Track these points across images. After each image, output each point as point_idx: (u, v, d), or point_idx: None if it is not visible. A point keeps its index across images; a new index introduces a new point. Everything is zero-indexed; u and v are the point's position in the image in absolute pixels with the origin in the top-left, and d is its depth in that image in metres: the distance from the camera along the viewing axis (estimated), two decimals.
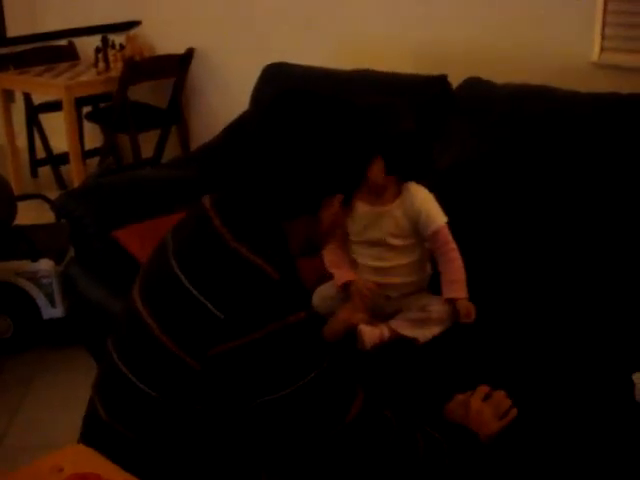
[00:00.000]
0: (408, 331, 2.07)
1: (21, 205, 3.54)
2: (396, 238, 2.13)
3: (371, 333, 2.04)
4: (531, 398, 1.79)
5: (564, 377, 1.90)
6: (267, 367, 1.36)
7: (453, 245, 2.12)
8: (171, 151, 4.76)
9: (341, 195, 1.48)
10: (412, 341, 2.07)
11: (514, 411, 1.67)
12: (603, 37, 3.00)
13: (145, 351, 1.45)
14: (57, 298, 3.14)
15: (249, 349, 1.33)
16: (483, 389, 1.70)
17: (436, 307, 2.09)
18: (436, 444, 1.54)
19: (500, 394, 1.70)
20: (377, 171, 2.03)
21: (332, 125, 1.44)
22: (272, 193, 1.45)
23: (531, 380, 1.89)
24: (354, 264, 2.20)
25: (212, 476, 1.49)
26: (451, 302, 2.07)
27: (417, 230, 2.13)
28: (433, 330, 2.08)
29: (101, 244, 2.60)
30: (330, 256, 2.20)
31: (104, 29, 4.80)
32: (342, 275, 2.17)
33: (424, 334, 2.07)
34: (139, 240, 2.52)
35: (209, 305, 1.35)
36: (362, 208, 2.14)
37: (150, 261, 1.58)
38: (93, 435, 1.56)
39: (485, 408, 1.66)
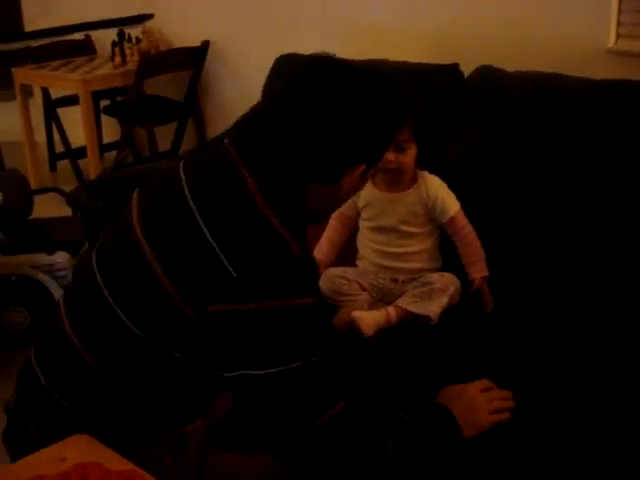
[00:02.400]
0: (415, 307, 2.08)
1: (38, 199, 3.56)
2: (409, 225, 2.19)
3: (369, 318, 2.04)
4: (534, 396, 1.76)
5: (570, 374, 1.86)
6: (259, 339, 1.33)
7: (470, 228, 2.22)
8: (188, 143, 4.77)
9: (364, 165, 1.48)
10: (425, 322, 2.08)
11: (507, 414, 1.62)
12: (619, 24, 2.96)
13: (141, 289, 1.40)
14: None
15: (250, 316, 1.31)
16: (485, 381, 1.67)
17: (437, 278, 2.14)
18: (406, 438, 1.48)
19: (502, 391, 1.67)
20: (412, 157, 2.13)
21: (363, 96, 1.44)
22: (302, 156, 1.43)
23: (536, 378, 1.85)
24: (343, 250, 2.32)
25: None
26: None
27: (431, 218, 2.21)
28: (441, 301, 2.09)
29: None
30: (329, 231, 2.31)
31: (117, 22, 4.81)
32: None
33: (433, 310, 2.08)
34: None
35: (226, 261, 1.31)
36: (377, 194, 2.20)
37: (154, 190, 1.52)
38: (28, 400, 1.54)
39: (480, 397, 1.62)
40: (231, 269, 1.30)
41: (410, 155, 2.11)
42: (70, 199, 2.86)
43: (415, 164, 2.16)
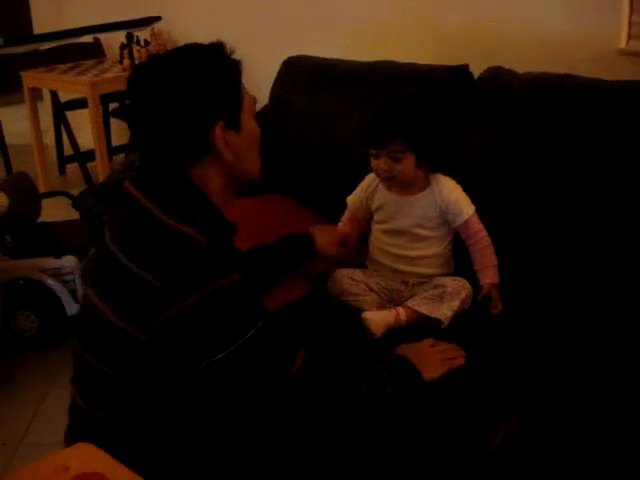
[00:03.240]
0: (426, 308, 2.05)
1: (46, 202, 3.57)
2: (423, 228, 2.16)
3: (379, 319, 2.02)
4: (544, 402, 1.75)
5: (580, 381, 1.84)
6: (205, 330, 1.41)
7: (484, 233, 2.18)
8: None
9: (221, 121, 1.51)
10: (435, 326, 2.05)
11: (461, 360, 1.81)
12: (630, 24, 2.94)
13: (101, 333, 1.50)
14: (81, 294, 3.14)
15: (186, 314, 1.39)
16: (431, 339, 1.87)
17: (450, 282, 2.12)
18: (376, 377, 1.63)
19: (448, 344, 1.86)
20: (408, 166, 2.07)
21: (183, 65, 1.52)
22: (164, 148, 1.52)
23: (546, 384, 1.83)
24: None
25: (191, 459, 1.54)
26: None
27: (445, 221, 2.17)
28: (452, 304, 2.06)
29: None
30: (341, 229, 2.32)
31: (125, 25, 4.79)
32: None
33: (444, 313, 2.05)
34: None
35: (147, 276, 1.40)
36: (391, 197, 2.17)
37: (94, 249, 1.64)
38: (79, 427, 1.61)
39: (431, 349, 1.82)
40: (154, 281, 1.39)
41: (406, 164, 2.07)
42: (76, 203, 2.85)
43: (419, 169, 2.10)
